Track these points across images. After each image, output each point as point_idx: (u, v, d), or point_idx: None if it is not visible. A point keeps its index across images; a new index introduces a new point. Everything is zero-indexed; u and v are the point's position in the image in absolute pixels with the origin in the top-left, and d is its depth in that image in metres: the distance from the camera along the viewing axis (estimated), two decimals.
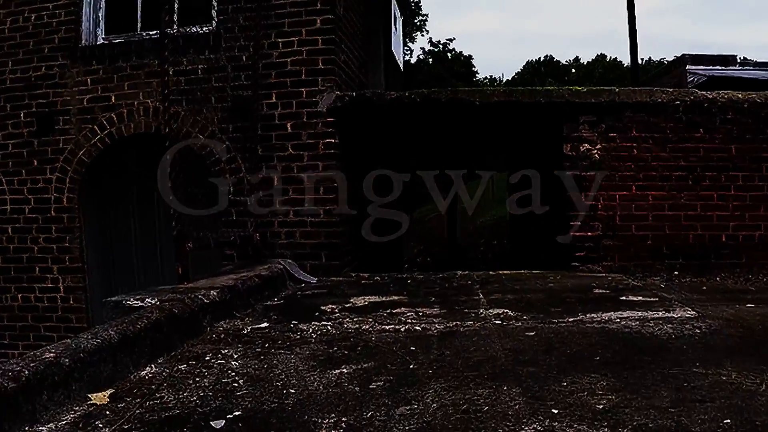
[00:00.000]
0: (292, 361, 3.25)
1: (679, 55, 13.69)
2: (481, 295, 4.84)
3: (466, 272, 6.14)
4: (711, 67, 12.68)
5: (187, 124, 6.40)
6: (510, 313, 4.15)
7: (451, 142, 9.53)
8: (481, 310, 4.26)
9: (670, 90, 6.07)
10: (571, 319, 3.90)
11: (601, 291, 4.90)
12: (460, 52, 48.10)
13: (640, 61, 16.41)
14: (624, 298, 4.59)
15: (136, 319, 3.35)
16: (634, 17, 12.10)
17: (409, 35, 38.98)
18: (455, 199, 16.83)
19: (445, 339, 3.56)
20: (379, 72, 10.46)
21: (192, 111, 6.39)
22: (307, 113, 6.26)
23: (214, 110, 6.37)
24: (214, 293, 4.29)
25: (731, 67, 12.97)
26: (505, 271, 6.11)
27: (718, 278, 5.74)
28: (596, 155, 6.02)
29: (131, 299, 4.07)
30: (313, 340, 3.66)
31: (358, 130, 7.00)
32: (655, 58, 47.53)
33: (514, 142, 8.64)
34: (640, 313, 4.01)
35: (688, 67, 12.33)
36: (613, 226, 5.96)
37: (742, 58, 15.27)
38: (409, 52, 36.90)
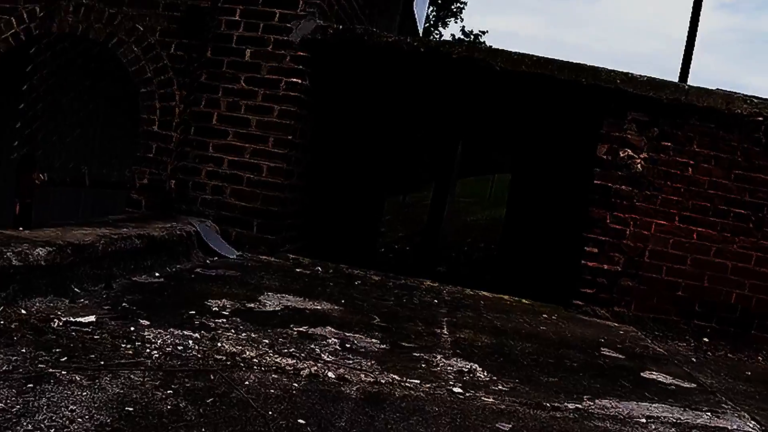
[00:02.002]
0: (68, 414, 1.77)
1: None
2: (446, 329, 3.36)
3: (435, 284, 4.66)
4: None
5: (122, 31, 4.85)
6: (480, 373, 2.68)
7: (455, 118, 8.04)
8: (439, 359, 2.79)
9: (756, 99, 4.56)
10: (571, 407, 2.43)
11: (613, 354, 3.43)
12: (491, 46, 46.09)
13: None
14: (647, 374, 3.12)
15: None
16: (695, 35, 10.55)
17: (442, 20, 37.17)
18: (446, 189, 15.36)
19: (364, 411, 2.09)
20: (392, 28, 8.89)
21: (132, 16, 4.85)
22: (275, 41, 4.73)
23: (159, 19, 4.83)
24: (41, 252, 2.80)
25: None
26: (485, 293, 4.63)
27: (760, 357, 4.31)
28: (639, 166, 4.53)
29: None
30: (146, 367, 2.18)
31: (338, 77, 5.48)
32: None
33: (535, 129, 7.12)
34: (676, 413, 2.55)
35: None
36: (638, 263, 4.49)
37: None
38: (438, 36, 35.03)
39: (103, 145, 5.14)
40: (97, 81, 4.63)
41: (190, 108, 4.71)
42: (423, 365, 2.66)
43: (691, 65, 10.64)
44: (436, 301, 4.06)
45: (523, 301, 4.59)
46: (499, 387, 2.53)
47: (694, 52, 10.60)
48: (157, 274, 3.57)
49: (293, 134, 4.70)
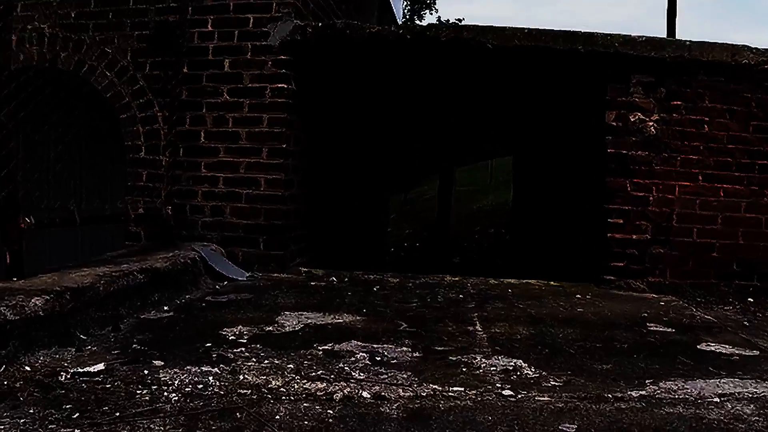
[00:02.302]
0: None
1: None
2: (479, 325, 3.14)
3: (457, 278, 4.43)
4: None
5: (92, 57, 4.64)
6: (526, 369, 2.46)
7: (449, 105, 7.81)
8: (478, 359, 2.57)
9: (760, 49, 4.33)
10: (635, 395, 2.21)
11: (661, 328, 3.20)
12: (477, 25, 45.51)
13: None
14: (705, 347, 2.89)
15: None
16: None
17: (417, 13, 36.89)
18: (450, 180, 15.12)
19: (411, 429, 1.87)
20: (371, 24, 8.66)
21: (100, 40, 4.63)
22: (253, 48, 4.50)
23: (128, 39, 4.61)
24: (38, 302, 2.58)
25: None
26: (511, 281, 4.41)
27: None
28: (652, 129, 4.30)
29: None
30: (165, 413, 1.96)
31: (326, 77, 5.26)
32: None
33: (534, 107, 6.89)
34: (750, 387, 2.32)
35: None
36: (667, 228, 4.26)
37: None
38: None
39: (91, 177, 4.92)
40: (71, 110, 4.41)
41: (175, 128, 4.48)
42: (463, 369, 2.44)
43: (675, 25, 10.41)
44: (461, 296, 3.84)
45: (551, 283, 4.37)
46: (552, 383, 2.30)
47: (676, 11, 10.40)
48: (165, 308, 3.35)
49: (287, 142, 4.48)
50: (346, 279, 4.27)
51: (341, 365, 2.46)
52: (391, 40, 4.57)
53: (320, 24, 4.64)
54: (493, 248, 12.98)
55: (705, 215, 4.24)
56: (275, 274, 4.33)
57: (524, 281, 4.39)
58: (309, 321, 3.12)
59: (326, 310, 3.35)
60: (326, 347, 2.69)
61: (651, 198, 4.26)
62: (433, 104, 7.99)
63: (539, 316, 3.34)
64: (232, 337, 2.80)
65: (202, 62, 4.54)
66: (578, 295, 3.95)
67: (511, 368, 2.46)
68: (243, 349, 2.63)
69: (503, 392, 2.19)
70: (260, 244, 4.43)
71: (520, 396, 2.16)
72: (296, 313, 3.28)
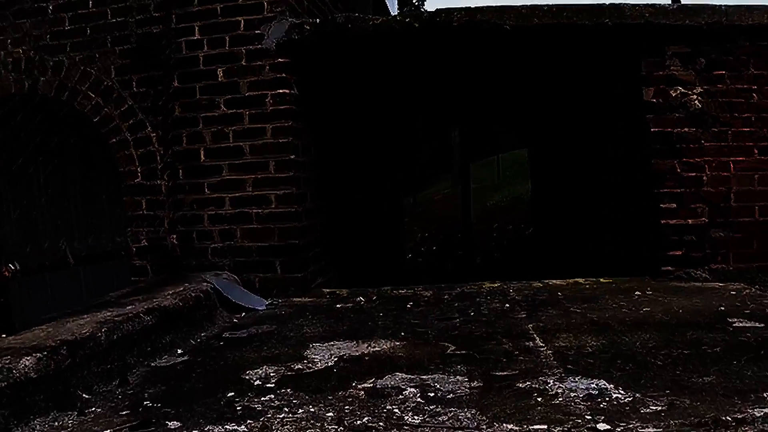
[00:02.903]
0: None
1: None
2: (538, 339, 2.72)
3: (497, 284, 4.02)
4: None
5: (73, 79, 4.28)
6: (614, 391, 2.04)
7: (463, 97, 7.42)
8: (551, 383, 2.16)
9: None
10: (759, 414, 1.79)
11: (747, 323, 2.78)
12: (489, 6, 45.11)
13: None
14: None
15: None
16: None
17: (408, 5, 36.58)
18: (467, 176, 14.71)
19: None
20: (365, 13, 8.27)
21: (80, 60, 4.27)
22: (248, 53, 4.12)
23: (111, 56, 4.25)
24: (28, 362, 2.20)
25: None
26: (556, 282, 3.99)
27: None
28: (696, 103, 3.88)
29: None
30: None
31: (327, 78, 4.87)
32: None
33: (554, 92, 6.48)
34: None
35: None
36: (725, 209, 3.84)
37: None
38: None
39: (86, 210, 4.54)
40: (50, 137, 4.04)
41: (172, 148, 4.11)
42: (538, 399, 2.03)
43: None
44: (507, 305, 3.42)
45: (601, 280, 3.95)
46: (652, 407, 1.89)
47: None
48: (179, 351, 2.96)
49: (295, 152, 4.09)
50: (375, 297, 3.86)
51: (389, 407, 2.05)
52: (398, 29, 4.19)
53: (318, 20, 4.26)
54: (515, 245, 12.54)
55: (766, 191, 3.82)
56: (297, 299, 3.93)
57: (571, 281, 3.97)
58: (342, 353, 2.72)
59: (359, 338, 2.94)
60: (367, 385, 2.28)
61: (704, 177, 3.84)
62: (445, 96, 7.60)
63: (603, 322, 2.92)
64: (258, 382, 2.40)
65: (193, 74, 4.16)
66: (637, 292, 3.53)
67: (595, 392, 2.04)
68: (272, 396, 2.23)
69: (598, 427, 1.77)
70: (277, 268, 4.03)
71: (620, 430, 1.75)
72: (326, 344, 2.88)
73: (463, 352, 2.61)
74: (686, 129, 3.91)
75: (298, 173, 4.12)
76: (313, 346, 2.86)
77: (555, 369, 2.30)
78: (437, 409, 2.00)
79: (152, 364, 2.78)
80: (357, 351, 2.73)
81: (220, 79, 4.13)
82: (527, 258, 10.23)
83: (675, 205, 3.83)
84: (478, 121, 10.11)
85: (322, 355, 2.70)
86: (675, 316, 2.94)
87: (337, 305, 3.71)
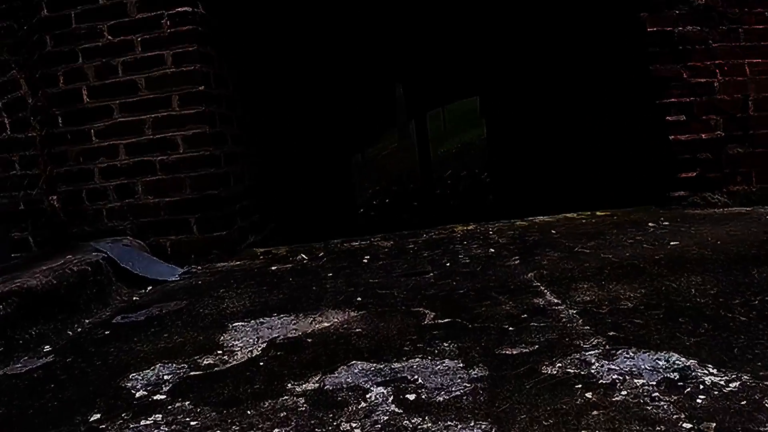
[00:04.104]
0: None
1: None
2: (548, 292, 1.95)
3: (471, 226, 3.24)
4: None
5: None
6: (703, 372, 1.27)
7: (407, 48, 6.59)
8: (595, 363, 1.38)
9: None
10: None
11: None
12: None
13: None
14: None
15: None
16: None
17: None
18: (424, 125, 13.89)
19: None
20: None
21: None
22: None
23: None
24: None
25: None
26: (543, 218, 3.24)
27: None
28: None
29: None
30: None
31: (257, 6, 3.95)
32: None
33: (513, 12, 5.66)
34: None
35: None
36: (743, 120, 3.12)
37: None
38: None
39: None
40: None
41: (45, 90, 3.16)
42: (586, 395, 1.25)
43: None
44: (492, 250, 2.64)
45: (598, 213, 3.22)
46: None
47: None
48: (47, 349, 2.09)
49: (204, 83, 3.18)
50: (321, 254, 3.03)
51: (347, 425, 1.25)
52: None
53: None
54: (472, 191, 11.87)
55: None
56: (221, 264, 3.08)
57: (561, 216, 3.22)
58: (274, 334, 1.90)
59: (300, 310, 2.13)
60: (311, 385, 1.48)
61: (716, 84, 3.10)
62: (388, 46, 6.75)
63: (628, 263, 2.16)
64: (143, 392, 1.57)
65: None
66: (650, 224, 2.79)
67: (673, 374, 1.27)
68: (158, 417, 1.41)
69: None
70: (193, 227, 3.16)
71: None
72: (253, 322, 2.05)
73: (447, 320, 1.82)
74: (690, 27, 3.15)
75: (211, 108, 3.22)
76: (233, 327, 2.03)
77: (592, 338, 1.53)
78: (425, 425, 1.21)
79: (4, 369, 1.92)
80: (296, 330, 1.92)
81: (101, 2, 3.17)
82: (489, 204, 9.56)
83: (684, 117, 3.09)
84: (423, 74, 9.32)
85: (246, 340, 1.88)
86: (718, 250, 2.21)
87: (273, 267, 2.87)
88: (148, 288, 2.80)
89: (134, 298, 2.67)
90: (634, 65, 3.32)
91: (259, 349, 1.79)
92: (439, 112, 24.25)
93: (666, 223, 2.76)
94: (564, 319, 1.68)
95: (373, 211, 13.28)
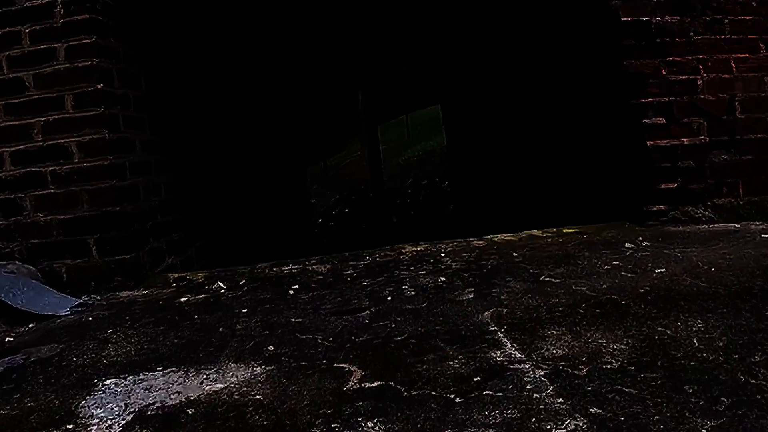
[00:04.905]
0: None
1: None
2: (507, 341, 1.52)
3: (421, 247, 2.80)
4: None
5: None
6: None
7: (368, 52, 6.19)
8: None
9: None
10: None
11: None
12: None
13: None
14: None
15: None
16: None
17: None
18: (375, 136, 13.46)
19: None
20: None
21: None
22: None
23: None
24: None
25: None
26: (505, 237, 2.82)
27: None
28: None
29: None
30: None
31: None
32: None
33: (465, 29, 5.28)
34: None
35: None
36: (730, 123, 2.75)
37: None
38: None
39: None
40: None
41: None
42: None
43: None
44: (443, 279, 2.20)
45: (565, 230, 2.81)
46: None
47: None
48: None
49: (104, 80, 2.68)
50: (243, 281, 2.56)
51: None
52: None
53: None
54: (432, 200, 11.48)
55: None
56: (125, 293, 2.58)
57: (524, 234, 2.81)
58: (150, 400, 1.43)
59: (194, 362, 1.66)
60: None
61: (699, 82, 2.73)
62: (349, 51, 6.34)
63: (606, 299, 1.75)
64: None
65: None
66: (628, 244, 2.39)
67: None
68: None
69: None
70: (92, 249, 2.66)
71: None
72: (130, 379, 1.58)
73: (378, 383, 1.38)
74: (668, 18, 2.78)
75: (113, 110, 2.72)
76: (103, 386, 1.56)
77: (567, 419, 1.10)
78: None
79: None
80: (179, 394, 1.45)
81: None
82: (449, 214, 9.18)
83: (663, 120, 2.71)
84: (384, 81, 8.96)
85: (110, 409, 1.41)
86: (715, 280, 1.81)
87: (182, 299, 2.39)
88: (30, 325, 2.30)
89: (7, 339, 2.16)
90: (606, 61, 2.93)
91: (121, 424, 1.32)
92: (403, 120, 23.95)
93: (646, 244, 2.37)
94: (529, 386, 1.25)
95: (332, 222, 12.81)
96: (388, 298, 2.04)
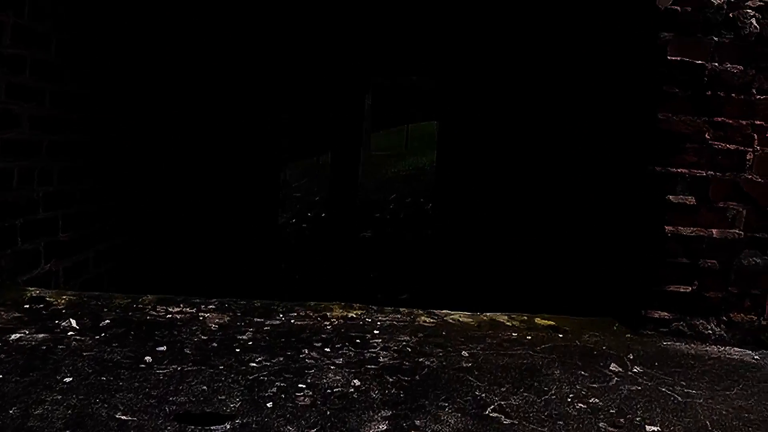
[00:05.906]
0: None
1: None
2: None
3: (355, 313, 2.17)
4: None
5: None
6: None
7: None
8: None
9: None
10: None
11: None
12: None
13: None
14: None
15: None
16: None
17: None
18: (358, 143, 12.82)
19: None
20: None
21: None
22: None
23: None
24: None
25: None
26: (460, 317, 2.21)
27: None
28: (754, 21, 2.15)
29: None
30: None
31: None
32: None
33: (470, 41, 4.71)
34: None
35: None
36: None
37: None
38: None
39: None
40: None
41: None
42: None
43: None
44: (357, 383, 1.59)
45: (537, 321, 2.21)
46: None
47: None
48: None
49: None
50: (108, 321, 1.93)
51: None
52: None
53: None
54: (411, 220, 10.88)
55: None
56: None
57: (486, 319, 2.20)
58: None
59: None
60: None
61: (749, 156, 2.14)
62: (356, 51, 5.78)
63: None
64: None
65: None
66: (614, 365, 1.79)
67: None
68: None
69: None
70: None
71: None
72: None
73: None
74: (728, 66, 2.17)
75: None
76: None
77: None
78: None
79: None
80: None
81: None
82: (427, 239, 8.61)
83: (693, 200, 2.11)
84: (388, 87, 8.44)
85: None
86: None
87: (14, 335, 1.76)
88: None
89: None
90: (636, 109, 2.32)
91: None
92: (405, 128, 23.36)
93: (637, 369, 1.78)
94: None
95: (305, 224, 12.18)
96: (269, 405, 1.43)
